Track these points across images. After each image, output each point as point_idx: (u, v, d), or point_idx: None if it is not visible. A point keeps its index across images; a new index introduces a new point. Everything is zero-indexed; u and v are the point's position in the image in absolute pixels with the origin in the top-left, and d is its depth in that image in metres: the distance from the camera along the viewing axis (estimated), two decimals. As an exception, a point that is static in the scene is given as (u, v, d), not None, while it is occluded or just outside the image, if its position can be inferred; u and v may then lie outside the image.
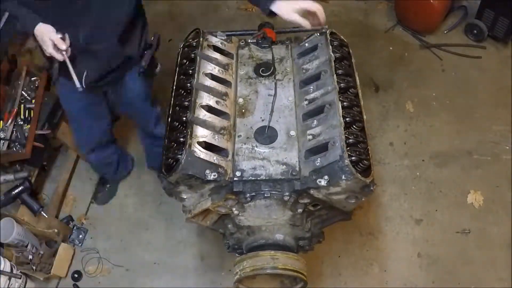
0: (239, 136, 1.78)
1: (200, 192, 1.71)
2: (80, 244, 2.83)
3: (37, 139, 2.50)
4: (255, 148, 1.74)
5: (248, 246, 1.92)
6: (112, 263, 2.76)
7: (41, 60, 2.52)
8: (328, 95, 1.78)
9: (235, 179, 1.65)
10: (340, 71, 1.84)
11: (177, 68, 1.95)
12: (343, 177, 1.55)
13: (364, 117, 1.79)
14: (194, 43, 1.97)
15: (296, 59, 2.04)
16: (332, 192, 1.64)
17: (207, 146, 1.68)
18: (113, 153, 2.82)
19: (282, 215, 1.79)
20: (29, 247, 2.57)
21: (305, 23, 1.87)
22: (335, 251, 2.71)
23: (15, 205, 2.48)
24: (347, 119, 1.68)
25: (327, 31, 2.00)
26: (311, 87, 1.88)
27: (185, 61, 1.93)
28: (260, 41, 2.09)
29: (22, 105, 2.51)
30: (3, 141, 2.37)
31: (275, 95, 1.89)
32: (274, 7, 1.88)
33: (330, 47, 1.92)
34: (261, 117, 1.83)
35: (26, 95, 2.53)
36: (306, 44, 2.06)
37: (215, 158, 1.65)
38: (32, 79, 2.59)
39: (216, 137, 1.72)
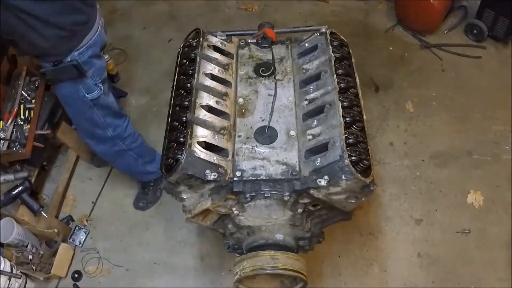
0: (239, 136, 1.78)
1: (200, 192, 1.71)
2: (80, 245, 2.83)
3: (37, 139, 2.50)
4: (255, 148, 1.74)
5: (248, 246, 1.92)
6: (112, 263, 2.76)
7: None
8: (328, 95, 1.78)
9: (235, 179, 1.65)
10: (340, 71, 1.84)
11: (177, 68, 1.95)
12: (343, 177, 1.55)
13: (364, 117, 1.79)
14: (194, 43, 1.97)
15: (296, 59, 2.04)
16: (332, 192, 1.64)
17: (207, 146, 1.68)
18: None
19: (282, 215, 1.79)
20: (29, 247, 2.57)
21: None
22: (335, 251, 2.71)
23: (15, 205, 2.48)
24: (347, 119, 1.68)
25: (327, 31, 2.01)
26: (311, 87, 1.88)
27: (185, 61, 1.93)
28: (260, 41, 2.09)
29: (22, 105, 2.50)
30: (3, 141, 2.37)
31: (275, 95, 1.90)
32: None
33: (330, 47, 1.92)
34: (261, 117, 1.84)
35: (26, 95, 2.53)
36: (306, 44, 2.06)
37: (215, 158, 1.65)
38: (32, 79, 2.59)
39: (216, 137, 1.72)
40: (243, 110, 1.87)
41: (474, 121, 3.23)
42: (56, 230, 2.69)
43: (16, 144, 2.40)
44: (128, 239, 2.85)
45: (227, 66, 1.98)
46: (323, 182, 1.58)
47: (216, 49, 2.03)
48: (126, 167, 2.76)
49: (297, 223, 1.82)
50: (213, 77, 1.90)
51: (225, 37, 2.09)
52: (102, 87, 2.26)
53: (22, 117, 2.48)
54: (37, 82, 2.58)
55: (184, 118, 1.70)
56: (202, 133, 1.69)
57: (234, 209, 1.76)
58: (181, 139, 1.65)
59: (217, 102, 1.82)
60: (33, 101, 2.53)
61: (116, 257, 2.79)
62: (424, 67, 3.56)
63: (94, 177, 3.12)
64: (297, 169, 1.67)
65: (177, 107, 1.79)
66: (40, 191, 3.00)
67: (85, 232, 2.86)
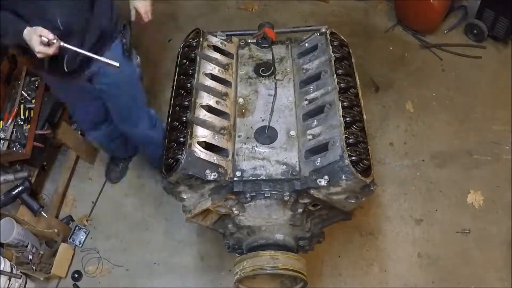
0: (239, 136, 1.78)
1: (200, 192, 1.71)
2: (80, 245, 2.83)
3: (37, 139, 2.50)
4: (255, 148, 1.74)
5: (248, 246, 1.92)
6: (112, 263, 2.76)
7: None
8: (328, 95, 1.78)
9: (235, 179, 1.65)
10: (340, 71, 1.84)
11: (177, 68, 1.95)
12: (343, 177, 1.55)
13: (364, 117, 1.79)
14: (194, 43, 1.97)
15: (296, 59, 2.04)
16: (332, 192, 1.64)
17: (207, 146, 1.68)
18: (116, 127, 2.66)
19: (282, 215, 1.79)
20: (29, 247, 2.56)
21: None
22: (335, 251, 2.71)
23: (15, 205, 2.47)
24: (347, 119, 1.68)
25: (327, 31, 2.01)
26: (311, 87, 1.88)
27: (185, 61, 1.93)
28: (260, 41, 2.09)
29: (22, 105, 2.51)
30: (3, 141, 2.37)
31: (275, 95, 1.90)
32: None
33: (330, 47, 1.92)
34: (261, 117, 1.84)
35: (26, 95, 2.53)
36: (306, 44, 2.06)
37: (215, 158, 1.65)
38: (32, 79, 2.59)
39: (216, 137, 1.72)
40: (243, 110, 1.87)
41: (474, 121, 3.23)
42: (56, 230, 2.69)
43: (16, 144, 2.41)
44: (128, 239, 2.85)
45: (227, 66, 1.98)
46: (323, 182, 1.58)
47: (216, 49, 2.03)
48: (158, 146, 2.73)
49: (297, 223, 1.82)
50: (213, 77, 1.90)
51: (225, 37, 2.09)
52: None
53: (22, 117, 2.48)
54: (37, 82, 2.58)
55: (184, 118, 1.70)
56: (202, 133, 1.69)
57: (234, 209, 1.76)
58: (181, 139, 1.65)
59: (217, 102, 1.82)
60: (33, 101, 2.53)
61: (116, 257, 2.79)
62: (424, 67, 3.56)
63: (94, 177, 3.12)
64: (297, 169, 1.67)
65: (177, 107, 1.79)
66: (40, 191, 3.00)
67: (85, 232, 2.86)
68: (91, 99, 2.43)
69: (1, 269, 2.37)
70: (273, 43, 2.10)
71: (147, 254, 2.79)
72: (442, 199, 2.90)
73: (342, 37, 2.05)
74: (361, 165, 1.61)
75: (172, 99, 1.83)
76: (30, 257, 2.56)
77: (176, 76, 1.92)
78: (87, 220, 2.93)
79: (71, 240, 2.83)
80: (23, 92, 2.53)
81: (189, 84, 1.80)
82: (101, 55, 1.98)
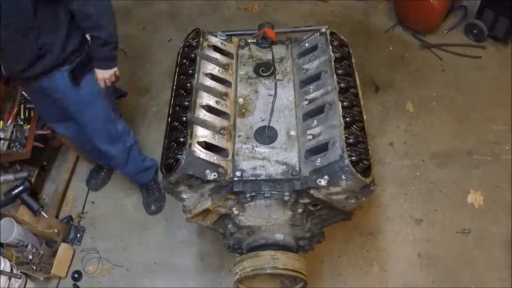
0: (239, 136, 1.78)
1: (200, 192, 1.71)
2: (78, 243, 2.83)
3: (37, 139, 2.50)
4: (255, 148, 1.74)
5: (248, 246, 1.92)
6: (112, 263, 2.76)
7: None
8: (328, 95, 1.78)
9: (235, 179, 1.65)
10: (340, 71, 1.84)
11: (177, 68, 1.95)
12: (343, 177, 1.55)
13: (364, 117, 1.79)
14: (194, 43, 1.97)
15: (296, 59, 2.05)
16: (332, 192, 1.64)
17: (207, 146, 1.68)
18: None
19: (282, 215, 1.79)
20: (29, 247, 2.56)
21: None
22: (335, 251, 2.71)
23: (15, 205, 2.47)
24: (347, 119, 1.68)
25: (327, 31, 2.01)
26: (311, 87, 1.88)
27: (185, 61, 1.93)
28: (260, 41, 2.09)
29: (22, 105, 2.51)
30: (3, 141, 2.37)
31: (275, 95, 1.90)
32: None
33: (330, 47, 1.92)
34: (261, 117, 1.84)
35: (26, 95, 2.53)
36: (306, 44, 2.06)
37: (215, 158, 1.65)
38: (32, 79, 2.59)
39: (216, 137, 1.72)
40: (243, 110, 1.87)
41: (474, 121, 3.23)
42: (56, 230, 2.69)
43: (16, 144, 2.41)
44: (128, 239, 2.85)
45: (227, 66, 1.98)
46: (323, 182, 1.58)
47: (216, 49, 2.03)
48: (134, 166, 2.72)
49: (297, 223, 1.82)
50: (213, 77, 1.90)
51: (225, 37, 2.09)
52: None
53: (22, 117, 2.49)
54: (37, 82, 2.58)
55: (184, 118, 1.70)
56: (202, 133, 1.69)
57: (234, 209, 1.76)
58: (181, 139, 1.65)
59: (217, 102, 1.82)
60: (33, 101, 2.53)
61: (116, 257, 2.79)
62: (424, 67, 3.56)
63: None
64: (297, 169, 1.67)
65: (177, 107, 1.79)
66: (40, 191, 3.00)
67: (82, 231, 2.85)
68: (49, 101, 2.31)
69: (1, 269, 2.37)
70: (273, 43, 2.10)
71: (147, 254, 2.79)
72: (442, 199, 2.89)
73: (342, 37, 2.06)
74: (361, 165, 1.61)
75: (172, 99, 1.83)
76: (30, 257, 2.56)
77: (176, 76, 1.92)
78: (80, 217, 2.92)
79: (69, 239, 2.83)
80: (23, 92, 2.53)
81: (189, 84, 1.80)
82: (47, 73, 2.03)
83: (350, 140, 1.63)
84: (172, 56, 2.06)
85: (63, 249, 2.70)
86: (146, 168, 2.80)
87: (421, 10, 3.59)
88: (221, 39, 2.07)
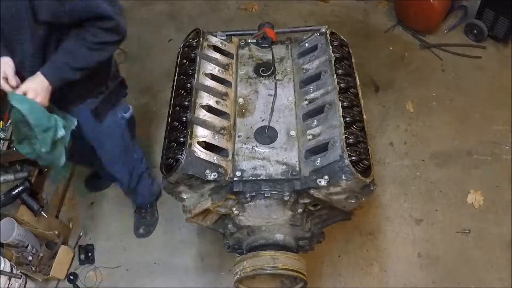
0: (239, 136, 1.78)
1: (200, 192, 1.72)
2: (93, 262, 2.76)
3: (37, 139, 2.49)
4: (255, 148, 1.74)
5: (248, 246, 1.92)
6: (112, 263, 2.76)
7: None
8: (328, 95, 1.78)
9: (235, 179, 1.65)
10: (340, 71, 1.84)
11: (177, 68, 1.95)
12: (343, 177, 1.55)
13: (364, 117, 1.79)
14: (194, 43, 1.98)
15: (296, 59, 2.05)
16: (332, 192, 1.64)
17: (207, 146, 1.68)
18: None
19: (282, 215, 1.79)
20: (29, 247, 2.56)
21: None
22: (335, 251, 2.70)
23: (15, 205, 2.47)
24: (347, 119, 1.68)
25: (327, 31, 2.01)
26: (311, 87, 1.88)
27: (185, 61, 1.93)
28: (260, 41, 2.10)
29: (22, 105, 2.50)
30: (3, 141, 2.37)
31: (275, 95, 1.90)
32: None
33: (330, 47, 1.92)
34: (261, 117, 1.84)
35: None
36: (306, 44, 2.06)
37: (215, 158, 1.65)
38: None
39: (216, 137, 1.72)
40: (243, 110, 1.87)
41: (474, 121, 3.22)
42: (56, 232, 2.68)
43: (16, 144, 2.40)
44: (128, 239, 2.85)
45: (227, 66, 1.98)
46: (323, 182, 1.58)
47: (216, 49, 2.03)
48: (144, 190, 2.69)
49: (297, 223, 1.82)
50: (213, 77, 1.90)
51: (225, 37, 2.10)
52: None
53: (22, 117, 2.48)
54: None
55: (184, 118, 1.70)
56: (202, 133, 1.69)
57: (234, 209, 1.76)
58: (181, 139, 1.65)
59: (217, 102, 1.82)
60: (33, 101, 2.52)
61: (116, 257, 2.79)
62: (424, 67, 3.56)
63: (94, 177, 3.12)
64: (297, 169, 1.67)
65: (177, 107, 1.79)
66: (40, 191, 2.99)
67: (91, 249, 2.79)
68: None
69: (1, 269, 2.37)
70: (273, 43, 2.10)
71: (147, 254, 2.79)
72: (442, 199, 2.89)
73: (342, 37, 2.06)
74: (361, 165, 1.61)
75: (172, 99, 1.83)
76: (30, 258, 2.56)
77: (176, 76, 1.92)
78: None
79: (81, 261, 2.76)
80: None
81: (189, 84, 1.80)
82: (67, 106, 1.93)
83: (350, 140, 1.63)
84: (172, 56, 2.06)
85: (63, 251, 2.69)
86: (152, 193, 2.80)
87: (421, 10, 3.59)
88: (221, 39, 2.07)
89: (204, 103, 1.78)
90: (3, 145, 2.36)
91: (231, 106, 1.87)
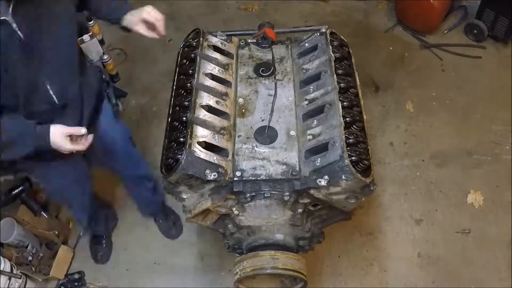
0: (239, 136, 1.78)
1: (200, 192, 1.71)
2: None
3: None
4: (255, 148, 1.74)
5: (248, 246, 1.92)
6: (112, 263, 2.76)
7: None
8: (328, 95, 1.78)
9: (235, 179, 1.65)
10: (340, 71, 1.84)
11: (177, 68, 1.95)
12: (343, 177, 1.55)
13: (364, 117, 1.79)
14: (194, 43, 1.97)
15: (296, 59, 2.04)
16: (332, 192, 1.64)
17: (207, 146, 1.68)
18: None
19: (282, 215, 1.79)
20: (29, 247, 2.57)
21: (147, 34, 1.94)
22: (335, 251, 2.71)
23: (15, 205, 2.48)
24: (347, 119, 1.68)
25: (327, 31, 2.01)
26: (311, 87, 1.88)
27: (185, 61, 1.93)
28: (260, 41, 2.09)
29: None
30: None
31: (275, 95, 1.90)
32: (124, 22, 1.94)
33: (330, 47, 1.92)
34: (261, 117, 1.84)
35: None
36: (306, 44, 2.06)
37: (215, 158, 1.65)
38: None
39: (216, 137, 1.72)
40: (243, 110, 1.87)
41: (474, 121, 3.23)
42: (56, 232, 2.69)
43: (16, 144, 2.40)
44: (128, 239, 2.85)
45: (227, 66, 1.98)
46: (323, 182, 1.58)
47: (216, 49, 2.03)
48: (160, 194, 2.71)
49: (297, 223, 1.82)
50: (213, 77, 1.90)
51: (225, 37, 2.09)
52: None
53: (22, 117, 2.48)
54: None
55: (184, 118, 1.70)
56: (202, 133, 1.69)
57: (234, 209, 1.76)
58: (181, 139, 1.65)
59: (217, 102, 1.82)
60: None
61: (116, 257, 2.79)
62: (424, 67, 3.56)
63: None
64: (297, 169, 1.67)
65: (177, 107, 1.78)
66: (40, 191, 3.00)
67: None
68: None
69: (1, 269, 2.37)
70: (273, 43, 2.10)
71: (147, 254, 2.79)
72: (442, 199, 2.90)
73: (342, 37, 2.05)
74: (361, 165, 1.61)
75: (172, 99, 1.83)
76: (30, 258, 2.56)
77: (176, 76, 1.91)
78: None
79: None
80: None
81: (189, 84, 1.80)
82: (95, 121, 1.91)
83: (350, 140, 1.63)
84: (172, 56, 2.06)
85: (63, 251, 2.70)
86: (161, 200, 2.80)
87: (421, 10, 3.59)
88: (221, 39, 2.07)
89: (204, 103, 1.78)
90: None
91: (231, 106, 1.87)
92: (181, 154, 1.59)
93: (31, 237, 2.59)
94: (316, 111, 1.79)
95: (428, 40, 3.70)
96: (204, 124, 1.71)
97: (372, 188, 1.64)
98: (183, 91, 1.82)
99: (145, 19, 1.89)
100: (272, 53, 2.05)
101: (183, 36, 2.07)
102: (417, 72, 3.54)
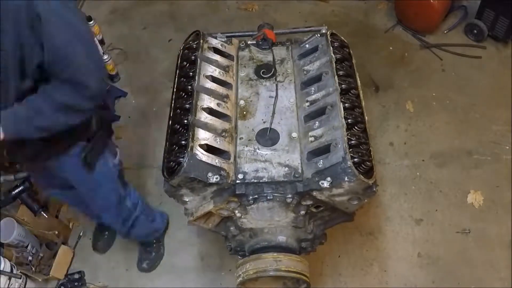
0: (241, 138, 1.78)
1: (202, 195, 1.71)
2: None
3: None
4: (257, 150, 1.74)
5: (250, 248, 1.92)
6: (111, 264, 2.76)
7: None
8: (330, 96, 1.78)
9: (237, 181, 1.65)
10: (341, 72, 1.84)
11: (178, 70, 1.94)
12: (346, 179, 1.55)
13: (366, 118, 1.79)
14: (194, 45, 1.97)
15: (297, 60, 2.04)
16: (335, 194, 1.64)
17: (209, 148, 1.68)
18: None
19: (285, 217, 1.79)
20: (29, 247, 2.56)
21: None
22: (335, 251, 2.71)
23: (15, 205, 2.47)
24: (349, 120, 1.68)
25: (328, 32, 2.00)
26: (312, 89, 1.88)
27: (185, 63, 1.93)
28: (260, 43, 2.09)
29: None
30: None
31: (276, 96, 1.90)
32: None
33: (331, 48, 1.92)
34: (262, 119, 1.84)
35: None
36: (307, 45, 2.06)
37: (217, 160, 1.65)
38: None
39: (218, 140, 1.72)
40: (245, 112, 1.87)
41: (474, 121, 3.23)
42: (56, 232, 2.68)
43: (16, 144, 2.39)
44: (128, 239, 2.85)
45: (228, 68, 1.97)
46: (325, 184, 1.58)
47: (217, 51, 2.03)
48: (141, 231, 2.53)
49: (299, 225, 1.82)
50: (214, 79, 1.90)
51: (225, 39, 2.09)
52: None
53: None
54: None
55: (186, 121, 1.70)
56: (203, 136, 1.69)
57: (236, 211, 1.76)
58: (183, 142, 1.65)
59: (218, 104, 1.82)
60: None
61: (116, 257, 2.79)
62: (424, 67, 3.56)
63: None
64: (300, 171, 1.67)
65: (178, 110, 1.78)
66: (40, 191, 2.99)
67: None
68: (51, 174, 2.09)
69: (1, 269, 2.37)
70: (273, 45, 2.10)
71: (148, 254, 2.79)
72: (442, 199, 2.90)
73: (342, 38, 2.05)
74: (364, 166, 1.61)
75: (173, 102, 1.83)
76: (30, 258, 2.56)
77: (176, 79, 1.91)
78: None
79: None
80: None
81: (189, 87, 1.80)
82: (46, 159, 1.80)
83: (352, 142, 1.63)
84: (172, 56, 2.06)
85: (63, 251, 2.69)
86: (154, 230, 2.67)
87: (421, 10, 3.59)
88: (221, 41, 2.07)
89: (205, 106, 1.78)
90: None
91: (232, 108, 1.87)
92: (183, 157, 1.59)
93: (31, 237, 2.59)
94: (318, 113, 1.79)
95: (428, 40, 3.70)
96: (206, 126, 1.71)
97: (374, 189, 1.65)
98: (183, 94, 1.81)
99: None
100: (273, 55, 2.05)
101: (183, 36, 2.06)
102: (417, 72, 3.54)
